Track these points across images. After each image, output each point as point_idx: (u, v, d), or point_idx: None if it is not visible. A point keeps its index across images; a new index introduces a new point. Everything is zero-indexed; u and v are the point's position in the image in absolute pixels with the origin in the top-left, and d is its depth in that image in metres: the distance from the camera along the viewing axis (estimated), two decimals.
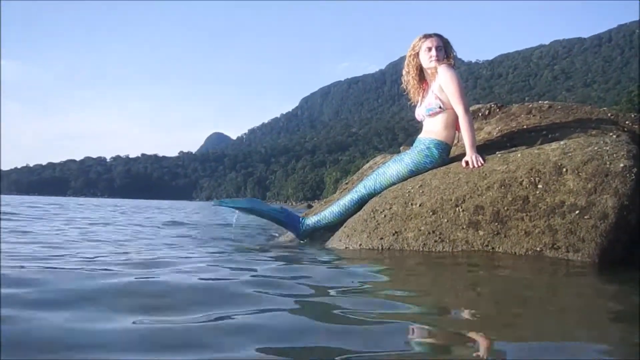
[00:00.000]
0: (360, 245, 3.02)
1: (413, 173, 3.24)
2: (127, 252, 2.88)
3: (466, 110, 3.12)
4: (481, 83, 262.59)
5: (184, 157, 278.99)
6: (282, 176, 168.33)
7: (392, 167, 3.31)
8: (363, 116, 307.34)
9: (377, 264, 2.62)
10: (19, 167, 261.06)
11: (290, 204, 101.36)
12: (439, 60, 3.27)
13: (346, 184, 7.93)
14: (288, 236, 3.89)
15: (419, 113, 3.40)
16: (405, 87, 3.49)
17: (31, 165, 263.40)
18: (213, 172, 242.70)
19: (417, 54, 3.35)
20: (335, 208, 3.41)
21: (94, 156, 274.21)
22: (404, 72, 3.47)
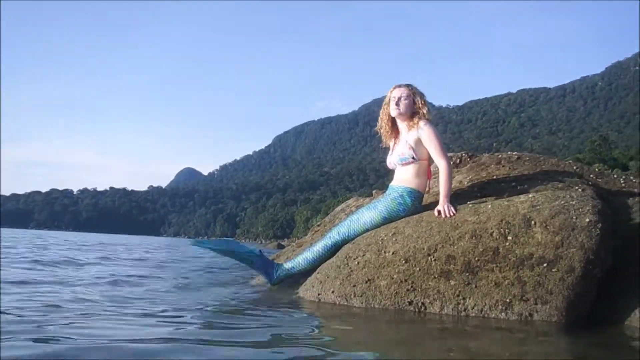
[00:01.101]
0: (332, 291, 3.01)
1: (386, 220, 3.28)
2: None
3: (448, 164, 3.22)
4: (451, 127, 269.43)
5: (154, 191, 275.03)
6: (253, 213, 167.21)
7: (365, 214, 3.35)
8: (335, 156, 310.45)
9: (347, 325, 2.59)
10: None
11: (259, 241, 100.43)
12: (400, 112, 3.37)
13: (318, 225, 7.92)
14: (260, 279, 3.86)
15: (391, 161, 3.47)
16: (378, 132, 3.58)
17: None
18: (183, 208, 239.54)
19: (388, 103, 3.45)
20: (308, 254, 3.42)
21: (60, 188, 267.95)
22: (379, 119, 3.56)
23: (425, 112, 3.38)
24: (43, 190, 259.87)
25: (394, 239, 3.05)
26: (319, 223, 8.35)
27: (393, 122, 3.52)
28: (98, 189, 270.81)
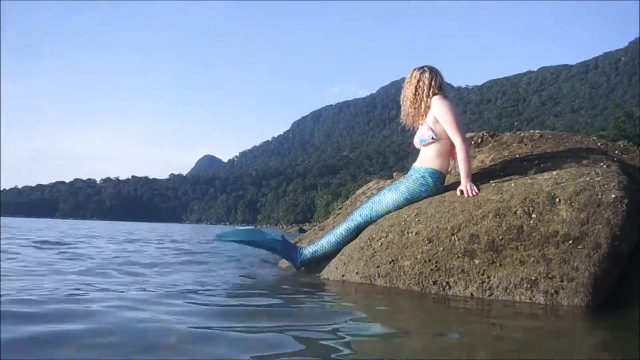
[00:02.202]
0: (357, 272, 3.04)
1: (408, 201, 3.29)
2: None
3: (464, 140, 3.18)
4: (471, 108, 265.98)
5: (175, 179, 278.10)
6: (273, 199, 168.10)
7: (387, 196, 3.35)
8: (354, 140, 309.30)
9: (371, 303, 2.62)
10: (7, 188, 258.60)
11: (281, 226, 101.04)
12: (426, 94, 3.35)
13: (339, 208, 7.97)
14: (285, 262, 3.91)
15: (414, 142, 3.46)
16: (403, 117, 3.54)
17: (20, 186, 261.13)
18: (204, 195, 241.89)
19: (411, 85, 3.43)
20: (332, 237, 3.45)
21: (84, 178, 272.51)
22: (402, 102, 3.53)
23: (435, 88, 3.35)
24: (67, 181, 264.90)
25: (416, 219, 3.06)
26: (340, 206, 8.39)
27: (415, 105, 3.49)
28: (120, 178, 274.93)
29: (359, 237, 3.30)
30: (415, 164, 3.42)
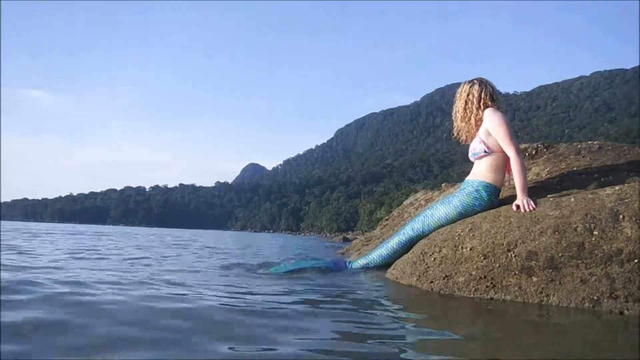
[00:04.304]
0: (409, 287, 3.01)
1: (462, 215, 3.24)
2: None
3: (518, 153, 3.11)
4: (519, 115, 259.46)
5: (220, 187, 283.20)
6: (316, 207, 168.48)
7: (440, 209, 3.31)
8: (398, 148, 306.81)
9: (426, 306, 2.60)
10: (62, 195, 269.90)
11: (324, 235, 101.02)
12: (476, 107, 3.30)
13: (386, 219, 7.90)
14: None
15: (469, 155, 3.41)
16: (455, 132, 3.50)
17: (74, 194, 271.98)
18: (248, 202, 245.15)
19: (461, 100, 3.38)
20: (383, 251, 3.43)
21: (134, 185, 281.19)
22: (453, 117, 3.50)
23: (486, 100, 3.29)
24: (118, 188, 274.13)
25: (471, 234, 3.00)
26: (386, 217, 8.34)
27: (468, 117, 3.44)
28: (168, 186, 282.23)
29: (411, 251, 3.27)
30: (469, 177, 3.36)
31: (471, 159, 3.36)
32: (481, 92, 3.33)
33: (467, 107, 3.36)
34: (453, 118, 3.47)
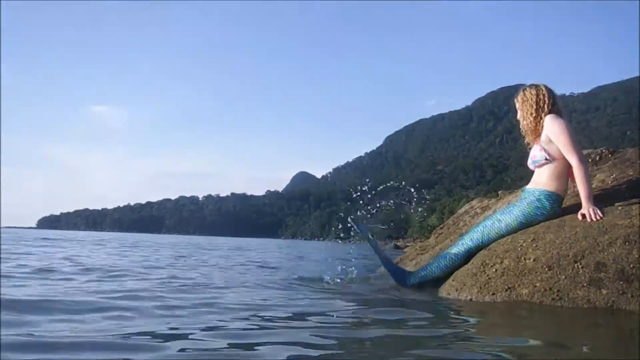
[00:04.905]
0: (470, 299, 2.95)
1: (523, 225, 3.15)
2: None
3: (581, 160, 3.00)
4: (576, 117, 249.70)
5: (271, 195, 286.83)
6: (366, 214, 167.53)
7: (500, 219, 3.23)
8: (449, 153, 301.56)
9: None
10: (121, 205, 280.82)
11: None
12: (540, 113, 3.20)
13: (441, 228, 7.79)
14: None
15: (527, 163, 3.31)
16: (523, 133, 3.39)
17: (132, 204, 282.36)
18: (298, 211, 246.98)
19: (524, 105, 3.30)
20: (441, 262, 3.37)
21: (188, 195, 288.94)
22: (519, 120, 3.39)
23: (548, 106, 3.19)
24: (173, 198, 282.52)
25: (534, 245, 2.91)
26: (441, 225, 8.21)
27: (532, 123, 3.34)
28: (221, 195, 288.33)
29: (470, 262, 3.20)
30: (529, 186, 3.27)
31: (531, 167, 3.26)
32: (544, 97, 3.24)
33: (529, 112, 3.27)
34: (521, 124, 3.36)
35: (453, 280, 3.19)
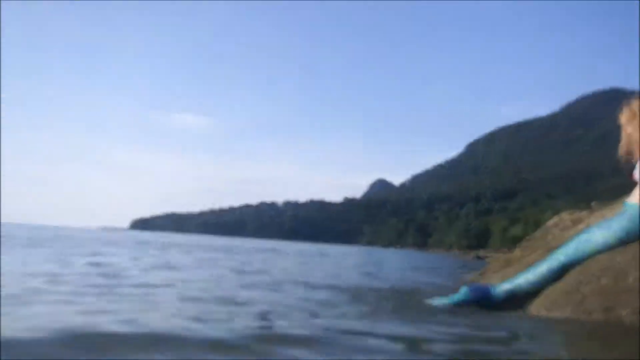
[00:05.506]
0: (565, 319, 2.82)
1: (622, 242, 2.96)
2: None
3: None
4: None
5: (348, 202, 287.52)
6: (445, 223, 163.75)
7: (597, 234, 3.06)
8: (534, 161, 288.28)
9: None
10: (205, 209, 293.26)
11: (453, 252, 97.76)
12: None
13: (527, 240, 7.49)
14: None
15: (634, 174, 3.11)
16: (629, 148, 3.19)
17: (215, 208, 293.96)
18: (375, 218, 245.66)
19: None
20: (530, 276, 3.24)
21: (268, 201, 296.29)
22: (629, 134, 3.19)
23: None
24: (254, 204, 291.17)
25: (634, 263, 2.74)
26: (528, 238, 7.89)
27: None
28: (299, 201, 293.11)
29: (562, 279, 3.05)
30: (630, 199, 3.07)
31: (637, 178, 3.07)
32: None
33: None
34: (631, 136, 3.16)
35: (544, 298, 3.06)
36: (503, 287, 3.41)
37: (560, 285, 3.02)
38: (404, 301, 3.89)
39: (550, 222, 7.25)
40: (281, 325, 2.28)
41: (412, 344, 2.08)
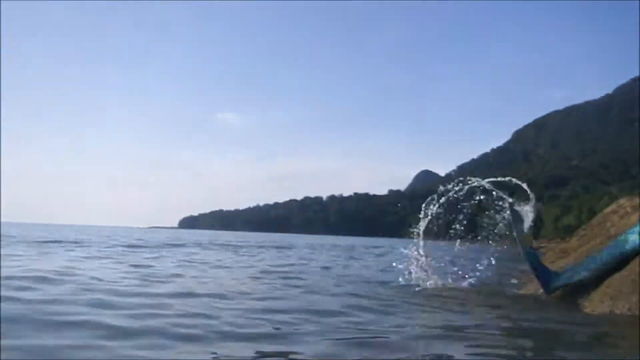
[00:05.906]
0: (628, 308, 2.76)
1: None
2: None
3: None
4: None
5: (393, 194, 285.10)
6: (494, 214, 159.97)
7: None
8: (585, 147, 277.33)
9: None
10: (251, 206, 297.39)
11: (504, 243, 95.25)
12: None
13: (583, 229, 7.30)
14: (530, 288, 3.74)
15: None
16: None
17: (261, 204, 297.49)
18: (420, 210, 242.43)
19: None
20: (591, 265, 3.19)
21: (312, 195, 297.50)
22: None
23: None
24: (298, 198, 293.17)
25: None
26: (583, 227, 7.66)
27: None
28: (344, 195, 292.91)
29: (627, 268, 2.99)
30: None
31: None
32: None
33: None
34: None
35: (607, 288, 3.02)
36: (565, 275, 3.38)
37: (625, 274, 2.99)
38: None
39: (608, 209, 7.00)
40: None
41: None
